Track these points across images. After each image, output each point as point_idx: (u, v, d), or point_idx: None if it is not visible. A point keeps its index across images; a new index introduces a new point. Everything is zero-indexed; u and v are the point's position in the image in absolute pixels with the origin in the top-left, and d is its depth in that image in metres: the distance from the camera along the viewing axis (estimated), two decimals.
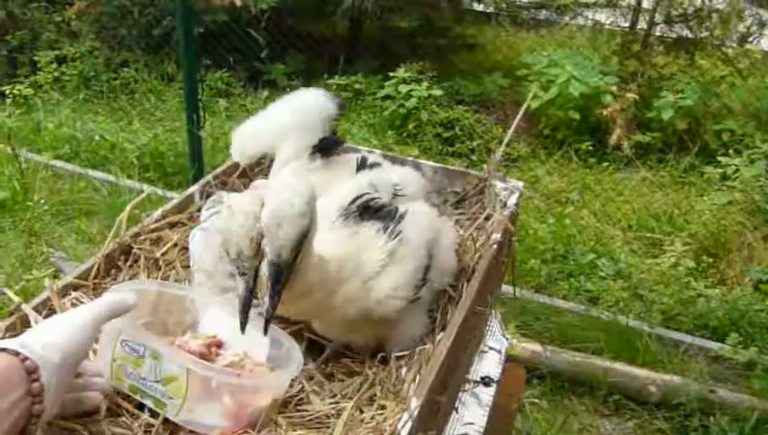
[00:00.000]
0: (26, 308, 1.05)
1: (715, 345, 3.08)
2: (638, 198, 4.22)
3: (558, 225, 3.79)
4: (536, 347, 2.94)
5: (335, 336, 1.20)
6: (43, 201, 3.78)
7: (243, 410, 0.96)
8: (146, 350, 0.96)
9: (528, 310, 3.24)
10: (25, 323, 1.04)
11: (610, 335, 3.07)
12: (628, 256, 3.61)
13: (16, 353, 0.83)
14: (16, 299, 1.05)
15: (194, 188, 1.45)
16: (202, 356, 1.03)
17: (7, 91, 5.05)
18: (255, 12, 5.02)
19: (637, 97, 4.77)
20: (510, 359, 2.75)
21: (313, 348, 1.18)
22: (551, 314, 3.22)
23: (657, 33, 5.22)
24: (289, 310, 1.13)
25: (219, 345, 1.08)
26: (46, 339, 0.86)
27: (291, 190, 1.02)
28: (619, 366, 2.88)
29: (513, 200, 1.43)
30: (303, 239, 1.01)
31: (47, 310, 1.07)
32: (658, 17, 5.12)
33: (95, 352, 1.02)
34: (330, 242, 1.15)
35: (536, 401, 2.79)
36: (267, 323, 1.03)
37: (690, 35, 5.02)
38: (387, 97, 4.95)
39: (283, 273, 1.01)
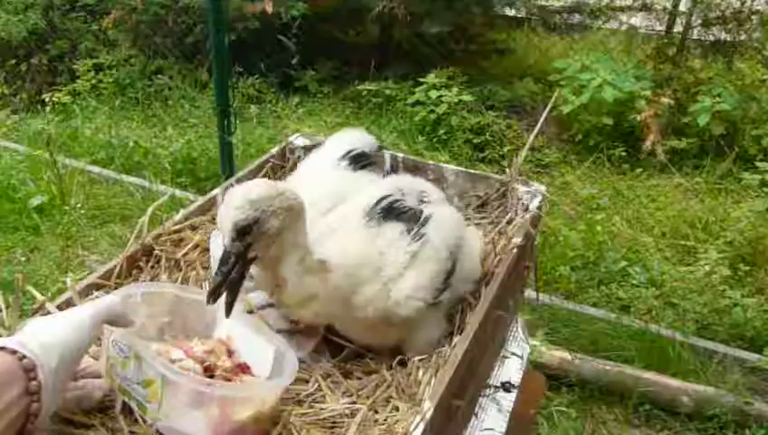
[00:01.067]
0: (50, 306, 1.07)
1: (752, 356, 2.99)
2: (672, 205, 4.13)
3: (589, 231, 3.73)
4: (565, 355, 2.89)
5: (355, 337, 1.20)
6: (79, 205, 3.87)
7: (227, 420, 0.94)
8: (130, 351, 0.96)
9: (557, 317, 3.19)
10: None
11: (642, 344, 3.00)
12: (661, 264, 3.53)
13: (14, 352, 0.83)
14: (40, 297, 1.07)
15: (217, 191, 1.47)
16: (203, 362, 1.02)
17: (47, 99, 5.20)
18: (287, 19, 5.07)
19: (672, 102, 4.68)
20: (538, 366, 2.72)
21: (333, 344, 1.18)
22: (580, 322, 3.17)
23: (694, 37, 5.11)
24: (301, 314, 1.13)
25: (230, 353, 1.07)
26: (44, 338, 0.86)
27: (246, 187, 1.07)
28: (651, 376, 2.81)
29: (535, 204, 1.41)
30: (244, 232, 1.04)
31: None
32: (695, 20, 5.01)
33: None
34: (351, 243, 1.15)
35: (564, 409, 2.74)
36: (210, 297, 1.05)
37: (728, 38, 4.91)
38: (417, 103, 4.95)
39: (231, 259, 1.04)
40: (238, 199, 1.04)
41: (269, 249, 1.07)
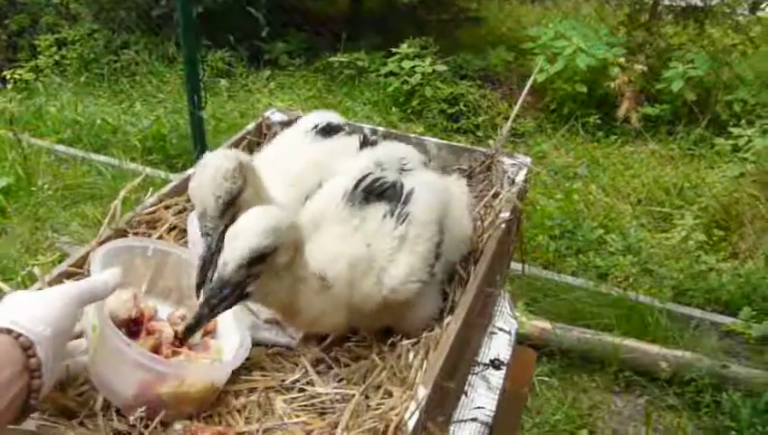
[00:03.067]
0: None
1: (727, 320, 3.04)
2: (648, 172, 4.15)
3: (566, 200, 3.74)
4: (545, 325, 2.91)
5: (352, 323, 1.16)
6: (47, 186, 3.76)
7: (148, 389, 0.95)
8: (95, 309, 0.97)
9: (536, 287, 3.21)
10: None
11: (620, 311, 3.03)
12: (638, 231, 3.56)
13: (8, 331, 0.83)
14: (6, 288, 1.02)
15: (191, 171, 1.41)
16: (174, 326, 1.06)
17: (8, 76, 5.00)
18: None
19: (645, 68, 4.68)
20: (519, 337, 2.74)
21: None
22: (559, 291, 3.19)
23: (666, 3, 5.10)
24: (315, 330, 1.12)
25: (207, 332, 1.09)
26: (36, 314, 0.86)
27: (257, 213, 0.99)
28: (630, 342, 2.85)
29: (521, 177, 1.38)
30: (258, 260, 0.96)
31: None
32: None
33: None
34: (337, 242, 1.11)
35: (546, 378, 2.77)
36: (186, 332, 0.99)
37: (700, 3, 4.90)
38: (390, 74, 4.88)
39: (225, 289, 0.95)
40: (259, 225, 0.95)
41: (269, 283, 0.98)
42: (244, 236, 0.94)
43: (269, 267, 0.97)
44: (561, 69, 4.66)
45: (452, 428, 1.16)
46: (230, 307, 0.97)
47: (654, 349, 2.83)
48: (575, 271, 3.36)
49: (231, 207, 1.03)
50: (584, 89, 4.69)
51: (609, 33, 5.06)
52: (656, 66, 4.81)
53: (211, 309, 0.96)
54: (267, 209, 1.01)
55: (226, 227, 0.99)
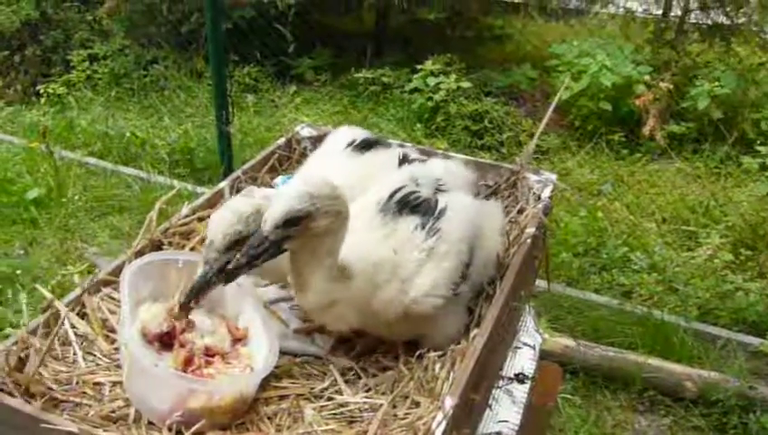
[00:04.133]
0: (59, 304, 1.06)
1: (755, 341, 2.99)
2: (673, 190, 4.12)
3: (590, 217, 3.72)
4: (569, 342, 2.89)
5: (373, 332, 1.18)
6: (77, 197, 3.84)
7: (179, 404, 0.97)
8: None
9: (560, 304, 3.19)
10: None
11: (645, 330, 3.00)
12: (663, 250, 3.52)
13: None
14: (49, 295, 1.05)
15: (223, 184, 1.45)
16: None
17: (42, 90, 5.14)
18: (282, 7, 5.02)
19: (671, 86, 4.65)
20: (542, 354, 2.72)
21: (347, 340, 1.17)
22: (583, 309, 3.17)
23: (692, 20, 5.08)
24: (323, 320, 1.13)
25: (236, 341, 1.12)
26: None
27: (307, 177, 1.06)
28: (654, 361, 2.81)
29: (546, 193, 1.39)
30: (293, 222, 1.02)
31: (80, 306, 1.08)
32: (693, 3, 4.98)
33: None
34: (368, 245, 1.14)
35: (569, 396, 2.74)
36: (228, 276, 1.05)
37: (727, 21, 4.88)
38: (415, 90, 4.91)
39: (264, 244, 1.02)
40: (298, 189, 1.02)
41: (304, 248, 1.05)
42: (281, 199, 1.01)
43: (305, 230, 1.02)
44: (586, 86, 4.66)
45: None
46: (267, 260, 1.04)
47: (679, 368, 2.80)
48: (599, 289, 3.33)
49: (236, 247, 1.08)
50: (609, 106, 4.68)
51: (634, 51, 5.05)
52: (681, 84, 4.78)
53: (249, 260, 1.02)
54: (310, 176, 1.07)
55: (226, 263, 1.06)
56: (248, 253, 1.01)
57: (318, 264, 1.06)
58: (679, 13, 5.08)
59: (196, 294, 1.07)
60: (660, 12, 5.27)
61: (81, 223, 3.75)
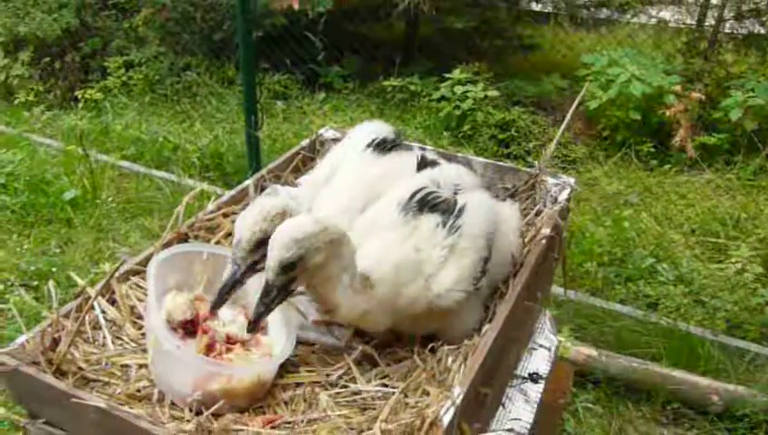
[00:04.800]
0: (90, 291, 1.11)
1: None
2: (703, 202, 4.06)
3: (616, 227, 3.69)
4: (591, 351, 2.87)
5: (396, 327, 1.21)
6: (110, 199, 3.95)
7: (199, 386, 1.02)
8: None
9: (583, 314, 3.17)
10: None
11: (670, 342, 2.96)
12: (691, 261, 3.48)
13: None
14: (81, 282, 1.10)
15: (248, 182, 1.49)
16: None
17: (80, 96, 5.30)
18: (313, 15, 5.10)
19: (702, 97, 4.60)
20: (563, 361, 2.71)
21: (361, 331, 1.21)
22: (607, 319, 3.14)
23: (726, 30, 5.02)
24: (361, 326, 1.17)
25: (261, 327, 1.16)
26: None
27: (292, 224, 1.08)
28: (679, 374, 2.78)
29: (564, 196, 1.41)
30: (289, 268, 1.06)
31: (109, 293, 1.13)
32: (728, 13, 4.92)
33: None
34: (387, 245, 1.17)
35: (591, 405, 2.73)
36: (250, 329, 1.11)
37: (762, 31, 4.81)
38: (442, 98, 4.94)
39: (272, 291, 1.07)
40: (283, 238, 1.06)
41: (313, 279, 1.10)
42: (272, 250, 1.06)
43: (304, 269, 1.08)
44: (615, 96, 4.63)
45: None
46: (281, 303, 1.10)
47: (704, 381, 2.75)
48: (624, 299, 3.30)
49: (263, 246, 1.11)
50: (638, 116, 4.64)
51: (665, 61, 5.00)
52: (714, 95, 4.72)
53: (266, 307, 1.07)
54: (294, 222, 1.10)
55: (255, 262, 1.11)
56: (263, 302, 1.07)
57: (336, 285, 1.11)
58: (713, 23, 5.02)
59: (227, 292, 1.11)
60: (694, 22, 5.22)
61: (114, 223, 3.85)
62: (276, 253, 1.05)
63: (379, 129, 1.51)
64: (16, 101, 5.45)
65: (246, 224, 1.12)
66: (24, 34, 5.43)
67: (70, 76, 5.57)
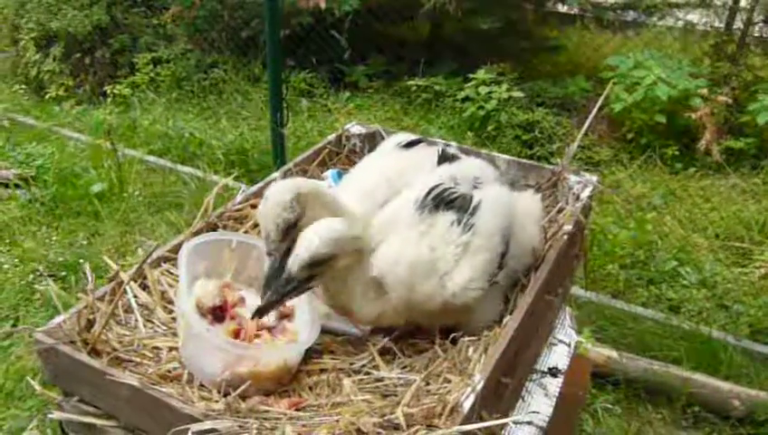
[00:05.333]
0: (123, 275, 1.15)
1: None
2: (728, 206, 4.02)
3: (639, 230, 3.67)
4: (611, 353, 2.87)
5: (414, 321, 1.24)
6: (137, 193, 4.03)
7: (228, 367, 1.05)
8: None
9: (604, 315, 3.16)
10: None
11: (691, 345, 2.94)
12: (714, 265, 3.45)
13: None
14: (115, 266, 1.15)
15: (275, 175, 1.53)
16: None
17: (108, 91, 5.40)
18: (339, 14, 5.14)
19: (729, 100, 4.55)
20: (581, 357, 2.70)
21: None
22: (628, 321, 3.13)
23: (755, 33, 4.95)
24: (379, 325, 1.20)
25: (283, 315, 1.19)
26: None
27: (324, 225, 1.12)
28: (700, 377, 2.76)
29: (586, 193, 1.42)
30: (318, 264, 1.10)
31: (141, 278, 1.17)
32: (757, 16, 4.86)
33: None
34: (400, 245, 1.20)
35: (610, 406, 2.72)
36: (257, 313, 1.13)
37: None
38: (466, 99, 4.94)
39: (292, 282, 1.11)
40: (322, 235, 1.10)
41: (332, 283, 1.15)
42: (307, 244, 1.09)
43: (329, 269, 1.12)
44: (641, 99, 4.60)
45: (508, 429, 1.21)
46: (295, 297, 1.14)
47: (726, 386, 2.74)
48: (646, 302, 3.29)
49: (291, 231, 1.15)
50: (663, 119, 4.60)
51: (691, 64, 4.95)
52: (741, 98, 4.66)
53: (279, 298, 1.11)
54: (332, 222, 1.14)
55: (288, 249, 1.13)
56: (278, 291, 1.10)
57: (351, 291, 1.16)
58: (742, 26, 4.95)
59: (271, 285, 1.13)
60: (722, 25, 5.15)
61: (141, 217, 3.93)
62: (312, 247, 1.08)
63: (406, 136, 1.54)
64: (47, 96, 5.58)
65: (268, 218, 1.14)
66: (56, 30, 5.55)
67: (99, 72, 5.68)
